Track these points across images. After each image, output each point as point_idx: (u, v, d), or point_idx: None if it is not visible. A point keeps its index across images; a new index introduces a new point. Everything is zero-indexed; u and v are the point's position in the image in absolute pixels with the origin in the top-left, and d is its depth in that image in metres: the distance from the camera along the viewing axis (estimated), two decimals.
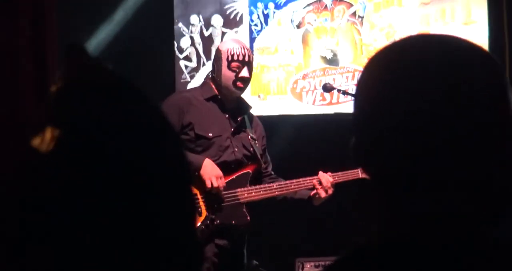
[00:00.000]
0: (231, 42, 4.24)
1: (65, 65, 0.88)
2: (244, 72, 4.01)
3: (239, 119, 4.07)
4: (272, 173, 4.19)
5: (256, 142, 4.10)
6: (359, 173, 4.01)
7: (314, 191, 4.01)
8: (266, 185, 4.03)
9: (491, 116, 0.99)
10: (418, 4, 5.54)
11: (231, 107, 4.08)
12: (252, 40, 5.91)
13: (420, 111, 0.99)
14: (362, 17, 5.68)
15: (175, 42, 6.09)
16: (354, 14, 5.72)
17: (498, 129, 1.00)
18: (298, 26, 5.84)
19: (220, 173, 3.87)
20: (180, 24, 6.10)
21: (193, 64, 6.05)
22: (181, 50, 6.10)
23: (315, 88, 5.75)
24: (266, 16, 5.90)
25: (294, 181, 4.03)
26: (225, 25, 5.98)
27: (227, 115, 4.05)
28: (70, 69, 0.87)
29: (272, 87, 5.85)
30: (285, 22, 5.86)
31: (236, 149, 4.01)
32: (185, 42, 6.09)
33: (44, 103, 0.88)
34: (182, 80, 6.00)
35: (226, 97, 4.07)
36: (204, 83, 4.23)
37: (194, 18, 6.06)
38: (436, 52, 1.03)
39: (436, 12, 5.51)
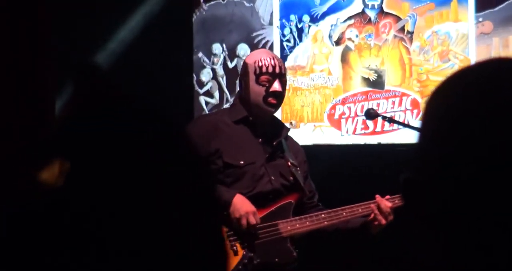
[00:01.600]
0: (259, 53, 3.83)
1: (75, 87, 0.95)
2: (276, 86, 3.62)
3: (274, 144, 3.69)
4: (320, 204, 3.82)
5: (298, 168, 3.73)
6: None
7: (372, 216, 3.62)
8: (312, 214, 3.67)
9: None
10: (477, 32, 4.97)
11: (264, 131, 3.71)
12: (283, 58, 5.48)
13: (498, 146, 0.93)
14: (411, 33, 5.13)
15: (194, 75, 5.73)
16: (402, 29, 5.15)
17: None
18: (337, 43, 5.34)
19: (253, 208, 3.54)
20: (200, 54, 5.75)
21: (215, 100, 5.70)
22: (201, 84, 5.76)
23: (356, 115, 5.25)
24: (300, 31, 5.45)
25: (347, 207, 3.66)
26: None
27: (260, 140, 3.68)
28: (81, 92, 0.96)
29: (306, 113, 5.38)
30: (322, 38, 5.39)
31: (272, 178, 3.65)
32: (206, 75, 5.75)
33: (46, 129, 0.89)
34: None
35: (258, 119, 3.69)
36: (233, 105, 3.90)
37: (216, 47, 5.72)
38: None
39: (498, 43, 4.94)
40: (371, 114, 4.01)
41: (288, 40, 5.42)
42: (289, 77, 5.36)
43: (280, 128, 3.78)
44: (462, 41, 4.97)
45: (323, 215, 3.65)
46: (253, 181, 3.62)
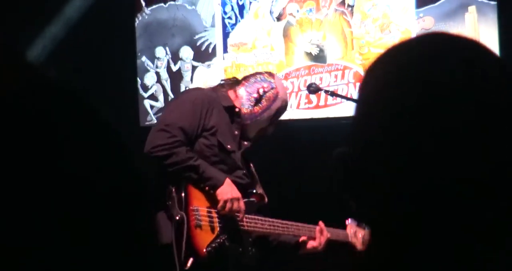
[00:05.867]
0: (287, 95, 4.01)
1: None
2: (271, 131, 3.88)
3: (245, 143, 3.80)
4: None
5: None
6: (348, 236, 3.90)
7: (303, 238, 3.84)
8: (270, 219, 3.81)
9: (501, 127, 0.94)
10: (419, 28, 4.97)
11: (240, 127, 3.80)
12: (225, 35, 5.46)
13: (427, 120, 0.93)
14: (352, 7, 5.13)
15: (138, 79, 5.71)
16: (343, 3, 5.16)
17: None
18: (279, 19, 5.33)
19: (239, 195, 3.64)
20: (143, 58, 5.74)
21: (160, 104, 5.68)
22: (146, 88, 5.75)
23: (300, 90, 5.23)
24: (241, 8, 5.44)
25: (295, 224, 3.83)
26: (196, 58, 5.57)
27: (236, 133, 3.76)
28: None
29: None
30: (264, 14, 5.37)
31: (245, 172, 3.78)
32: (150, 78, 5.73)
33: None
34: (147, 123, 5.60)
35: (240, 115, 3.79)
36: (220, 92, 3.80)
37: (159, 51, 5.71)
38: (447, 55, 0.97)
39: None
40: (313, 89, 4.04)
41: (229, 18, 5.40)
42: (232, 54, 5.36)
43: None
44: (403, 13, 4.99)
45: (278, 224, 3.79)
46: (233, 168, 3.70)
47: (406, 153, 0.93)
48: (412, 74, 0.96)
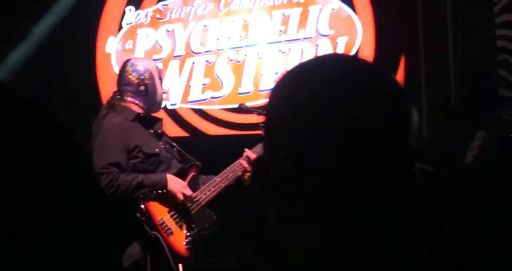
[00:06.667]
0: (150, 60, 4.57)
1: None
2: (165, 87, 4.37)
3: (160, 132, 4.15)
4: None
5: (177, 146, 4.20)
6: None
7: (239, 174, 4.08)
8: (210, 182, 4.09)
9: (393, 143, 0.97)
10: None
11: (149, 123, 4.15)
12: None
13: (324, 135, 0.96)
14: None
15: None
16: None
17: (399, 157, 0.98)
18: None
19: (184, 183, 3.98)
20: None
21: None
22: None
23: None
24: None
25: (229, 168, 4.10)
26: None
27: (151, 131, 4.11)
28: None
29: None
30: None
31: (176, 159, 4.10)
32: None
33: None
34: None
35: (148, 114, 4.16)
36: (118, 108, 4.11)
37: None
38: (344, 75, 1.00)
39: None
40: (243, 109, 4.40)
41: None
42: None
43: (155, 119, 4.23)
44: None
45: (217, 179, 4.10)
46: (168, 162, 4.06)
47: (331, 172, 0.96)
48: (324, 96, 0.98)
